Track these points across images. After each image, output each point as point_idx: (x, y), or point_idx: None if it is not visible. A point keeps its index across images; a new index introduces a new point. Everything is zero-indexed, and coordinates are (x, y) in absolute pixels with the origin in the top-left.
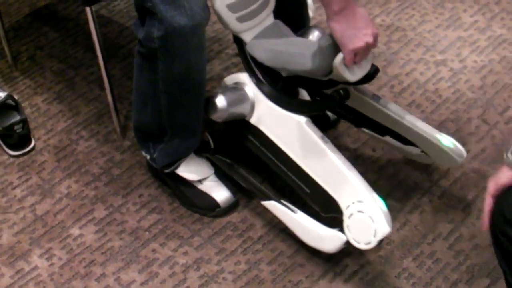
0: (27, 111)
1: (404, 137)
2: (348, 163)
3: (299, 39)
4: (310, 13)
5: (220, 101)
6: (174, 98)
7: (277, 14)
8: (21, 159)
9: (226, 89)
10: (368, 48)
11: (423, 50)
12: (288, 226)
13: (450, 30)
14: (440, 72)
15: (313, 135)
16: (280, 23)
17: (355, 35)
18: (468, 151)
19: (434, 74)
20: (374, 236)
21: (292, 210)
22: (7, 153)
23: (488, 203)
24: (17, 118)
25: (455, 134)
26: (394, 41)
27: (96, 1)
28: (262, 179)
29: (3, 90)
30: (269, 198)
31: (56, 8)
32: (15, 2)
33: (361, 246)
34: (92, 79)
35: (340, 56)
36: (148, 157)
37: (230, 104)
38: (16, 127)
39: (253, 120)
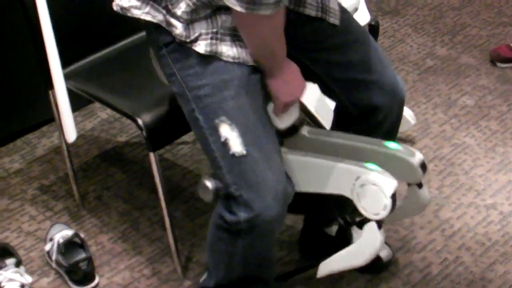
0: (93, 249)
1: None
2: (328, 156)
3: None
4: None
5: (211, 182)
6: (250, 271)
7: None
8: None
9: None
10: (295, 100)
11: (474, 194)
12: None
13: (501, 174)
14: (490, 215)
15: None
16: None
17: (288, 90)
18: None
19: (484, 218)
20: (386, 197)
21: None
22: None
23: None
24: (83, 255)
25: (503, 276)
26: (446, 185)
27: (161, 147)
28: None
29: (70, 228)
30: None
31: (123, 151)
32: (85, 144)
33: (382, 214)
34: (155, 220)
35: (270, 106)
36: None
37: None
38: (81, 264)
39: None
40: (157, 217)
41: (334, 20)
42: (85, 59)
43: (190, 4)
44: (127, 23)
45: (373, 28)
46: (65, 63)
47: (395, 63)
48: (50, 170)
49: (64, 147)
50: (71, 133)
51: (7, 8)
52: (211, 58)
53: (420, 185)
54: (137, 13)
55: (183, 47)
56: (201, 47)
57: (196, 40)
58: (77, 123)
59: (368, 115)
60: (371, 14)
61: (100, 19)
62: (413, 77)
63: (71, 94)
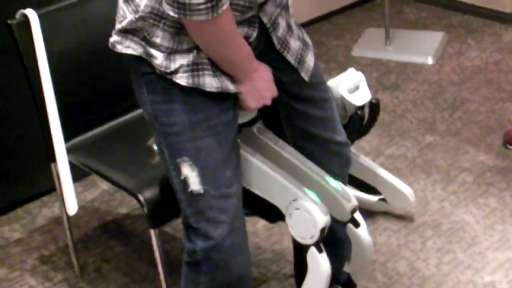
0: None
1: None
2: (275, 166)
3: None
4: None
5: (156, 146)
6: None
7: None
8: None
9: None
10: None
11: (472, 272)
12: None
13: (499, 252)
14: None
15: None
16: None
17: (256, 97)
18: None
19: None
20: (315, 228)
21: None
22: None
23: None
24: None
25: None
26: (445, 263)
27: (162, 224)
28: None
29: None
30: None
31: (123, 223)
32: (85, 215)
33: (308, 241)
34: None
35: None
36: None
37: None
38: None
39: None
40: None
41: (305, 75)
42: (87, 133)
43: (166, 28)
44: (128, 98)
45: (374, 106)
46: (67, 136)
47: (394, 138)
48: (50, 241)
49: (65, 218)
50: (72, 206)
51: (14, 83)
52: (186, 96)
53: (357, 225)
54: (120, 48)
55: (161, 82)
56: (183, 79)
57: (176, 71)
58: (77, 194)
59: None
60: (372, 92)
61: (102, 95)
62: (412, 153)
63: (73, 165)
